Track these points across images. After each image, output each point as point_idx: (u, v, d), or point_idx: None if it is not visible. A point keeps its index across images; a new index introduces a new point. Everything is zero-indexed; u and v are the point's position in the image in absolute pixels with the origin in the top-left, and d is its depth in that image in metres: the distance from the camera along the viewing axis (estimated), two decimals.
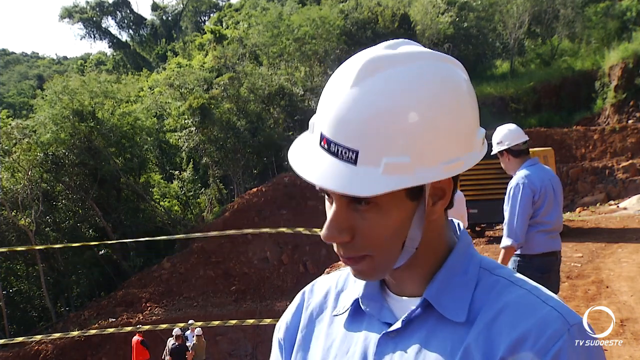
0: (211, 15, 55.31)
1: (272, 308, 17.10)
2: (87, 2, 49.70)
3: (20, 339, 10.15)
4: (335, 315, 0.87)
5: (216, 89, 24.61)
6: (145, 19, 54.88)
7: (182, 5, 55.93)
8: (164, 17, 55.51)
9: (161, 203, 24.99)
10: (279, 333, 0.93)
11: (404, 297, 0.81)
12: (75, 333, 12.54)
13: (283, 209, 20.97)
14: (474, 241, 5.63)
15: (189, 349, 11.73)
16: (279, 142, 23.55)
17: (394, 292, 0.82)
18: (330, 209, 0.75)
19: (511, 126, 3.66)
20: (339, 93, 0.71)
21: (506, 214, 3.60)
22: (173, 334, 11.73)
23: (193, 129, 23.56)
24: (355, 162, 0.69)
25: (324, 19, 26.88)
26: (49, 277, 19.98)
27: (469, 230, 11.73)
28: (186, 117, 23.54)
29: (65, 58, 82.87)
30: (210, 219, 23.15)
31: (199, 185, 26.04)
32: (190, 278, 19.28)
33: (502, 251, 3.57)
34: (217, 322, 10.12)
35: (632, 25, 24.01)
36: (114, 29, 52.14)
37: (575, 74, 24.42)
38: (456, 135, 0.72)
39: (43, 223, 20.58)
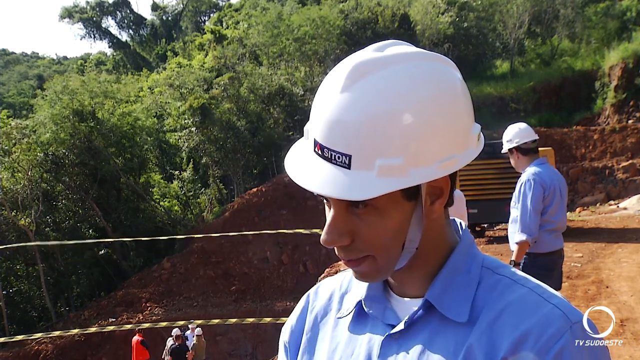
0: (211, 15, 55.31)
1: (272, 308, 17.11)
2: (87, 2, 49.73)
3: (20, 337, 10.14)
4: (339, 318, 0.87)
5: (216, 89, 24.61)
6: (145, 19, 54.90)
7: (182, 5, 55.93)
8: (164, 17, 55.51)
9: (161, 203, 24.99)
10: (284, 336, 0.94)
11: (406, 298, 0.80)
12: (75, 331, 12.53)
13: (283, 209, 20.97)
14: None
15: (189, 349, 11.74)
16: (279, 142, 23.55)
17: (396, 293, 0.82)
18: (329, 213, 0.75)
19: (522, 125, 3.76)
20: (330, 98, 0.71)
21: (516, 210, 3.63)
22: (172, 334, 11.73)
23: (193, 129, 23.57)
24: (349, 166, 0.69)
25: (324, 19, 26.87)
26: (49, 277, 19.97)
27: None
28: (186, 117, 23.54)
29: (65, 58, 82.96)
30: (210, 219, 23.15)
31: (199, 185, 26.05)
32: (190, 278, 19.28)
33: (516, 247, 3.60)
34: (217, 320, 10.12)
35: (632, 25, 23.99)
36: (114, 29, 52.26)
37: (575, 74, 24.41)
38: (450, 134, 0.71)
39: (43, 223, 20.58)
